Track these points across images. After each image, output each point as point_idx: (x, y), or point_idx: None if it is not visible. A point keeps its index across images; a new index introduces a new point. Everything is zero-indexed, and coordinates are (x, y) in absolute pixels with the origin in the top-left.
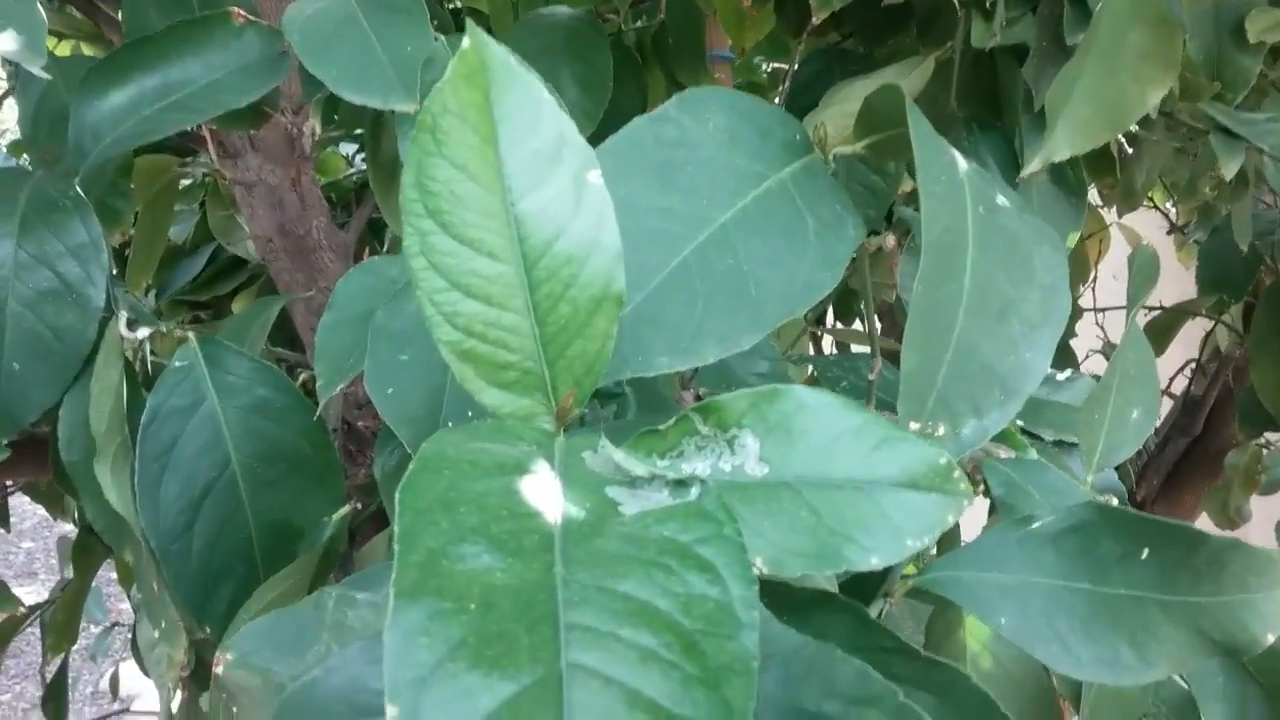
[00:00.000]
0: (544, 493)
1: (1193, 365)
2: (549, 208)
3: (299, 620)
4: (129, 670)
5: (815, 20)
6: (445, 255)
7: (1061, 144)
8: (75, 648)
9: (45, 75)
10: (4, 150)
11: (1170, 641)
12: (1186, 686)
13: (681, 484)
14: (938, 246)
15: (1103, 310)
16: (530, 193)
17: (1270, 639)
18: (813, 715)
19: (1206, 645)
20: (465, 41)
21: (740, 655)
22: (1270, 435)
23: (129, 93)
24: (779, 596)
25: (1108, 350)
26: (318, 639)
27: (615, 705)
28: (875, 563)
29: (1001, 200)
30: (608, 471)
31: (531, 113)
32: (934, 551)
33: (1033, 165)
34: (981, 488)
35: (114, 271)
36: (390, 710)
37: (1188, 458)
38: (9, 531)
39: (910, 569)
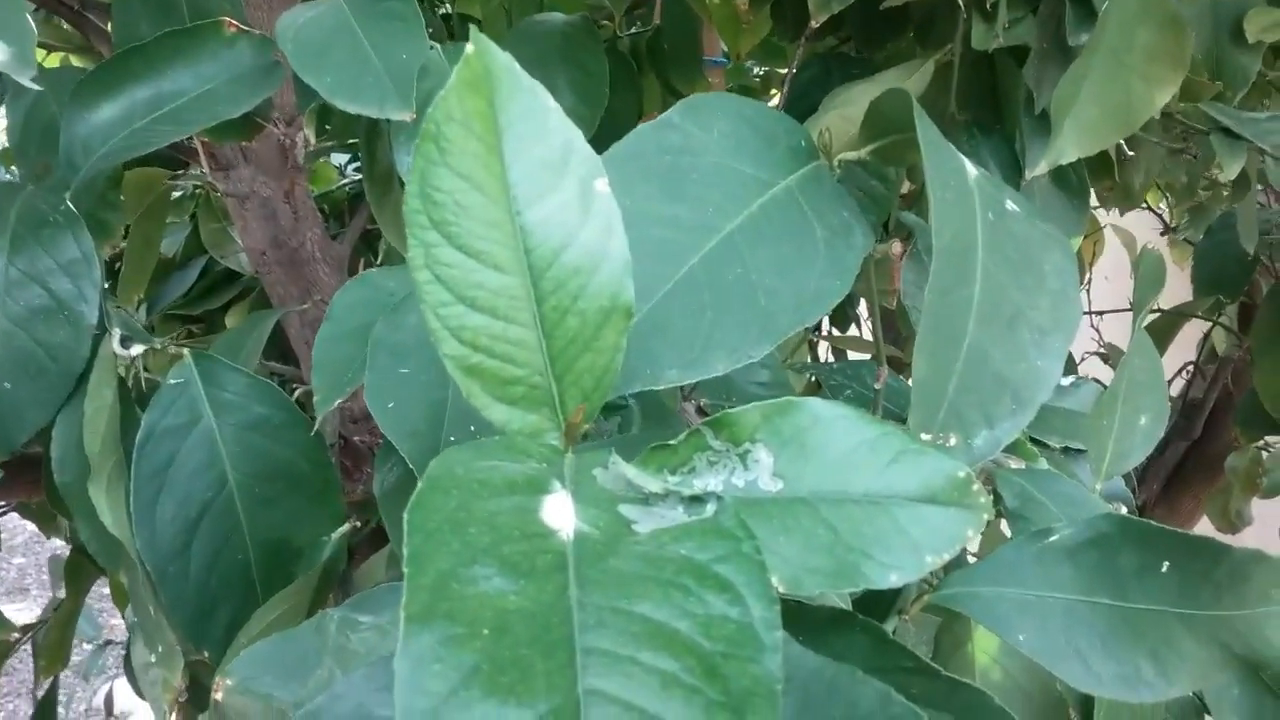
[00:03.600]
0: (556, 511)
1: (1190, 368)
2: (556, 217)
3: (300, 644)
4: (123, 687)
5: (814, 23)
6: (450, 267)
7: (1069, 146)
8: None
9: (35, 86)
10: None
11: (1192, 657)
12: (1195, 696)
13: (697, 500)
14: (948, 253)
15: (1098, 313)
16: (536, 202)
17: None
18: None
19: (1229, 660)
20: (469, 48)
21: (764, 679)
22: (1270, 438)
23: (120, 105)
24: (795, 616)
25: (1104, 353)
26: (320, 663)
27: None
28: (894, 580)
29: (1011, 206)
30: (619, 488)
31: (537, 120)
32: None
33: (1039, 168)
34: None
35: (106, 287)
36: None
37: (1187, 461)
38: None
39: (919, 597)
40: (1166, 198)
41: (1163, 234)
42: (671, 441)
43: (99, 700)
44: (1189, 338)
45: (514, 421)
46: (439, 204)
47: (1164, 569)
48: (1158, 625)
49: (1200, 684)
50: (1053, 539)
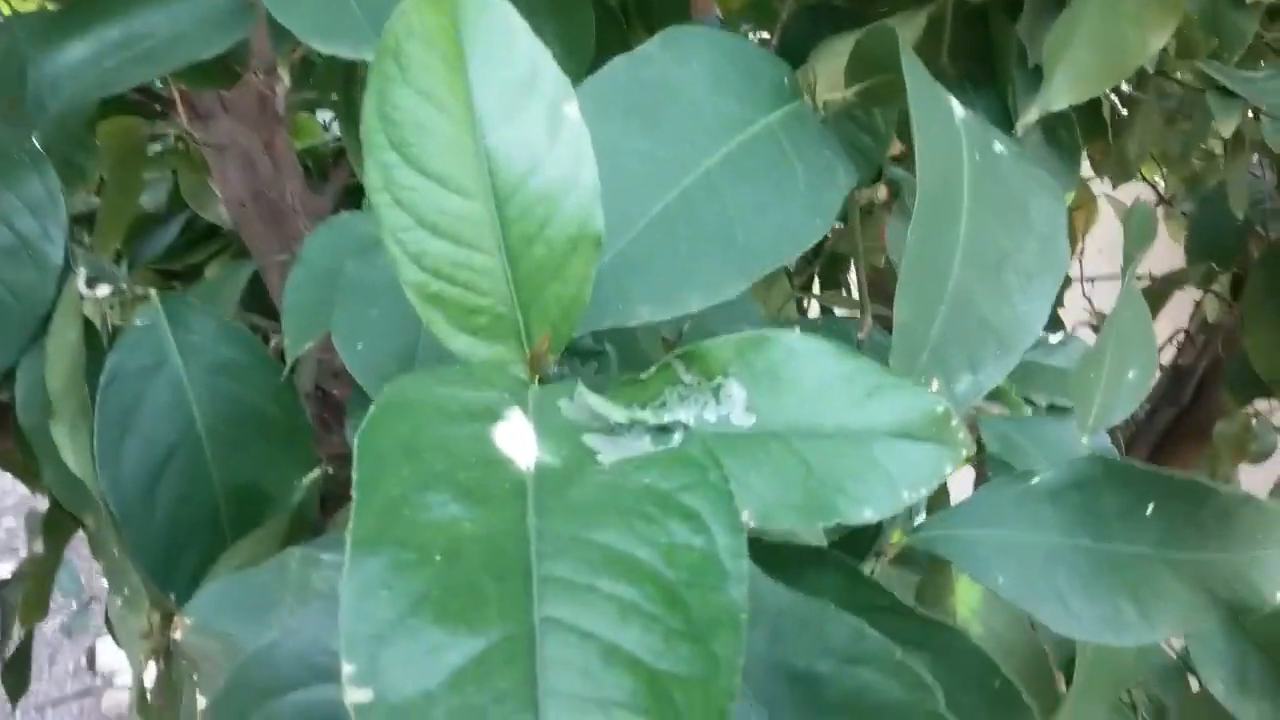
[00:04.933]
0: (516, 439)
1: (1182, 336)
2: (522, 141)
3: (261, 583)
4: (111, 646)
5: None
6: (410, 190)
7: (1060, 91)
8: (53, 624)
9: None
10: None
11: (1175, 600)
12: (1175, 655)
13: (664, 430)
14: (933, 194)
15: (1090, 280)
16: (502, 124)
17: (1279, 597)
18: (804, 674)
19: (1212, 604)
20: None
21: (727, 607)
22: (1259, 404)
23: (89, 45)
24: (768, 554)
25: (1095, 324)
26: (281, 602)
27: (592, 661)
28: (869, 515)
29: (998, 147)
30: (585, 419)
31: (504, 39)
32: (923, 516)
33: (1030, 114)
34: (970, 452)
35: (75, 239)
36: (346, 669)
37: (1176, 427)
38: None
39: (897, 536)
40: (1162, 171)
41: (1158, 205)
42: (642, 376)
43: (86, 659)
44: (1182, 307)
45: (478, 352)
46: (398, 124)
47: (1148, 511)
48: (1140, 568)
49: (1183, 627)
50: (1034, 481)
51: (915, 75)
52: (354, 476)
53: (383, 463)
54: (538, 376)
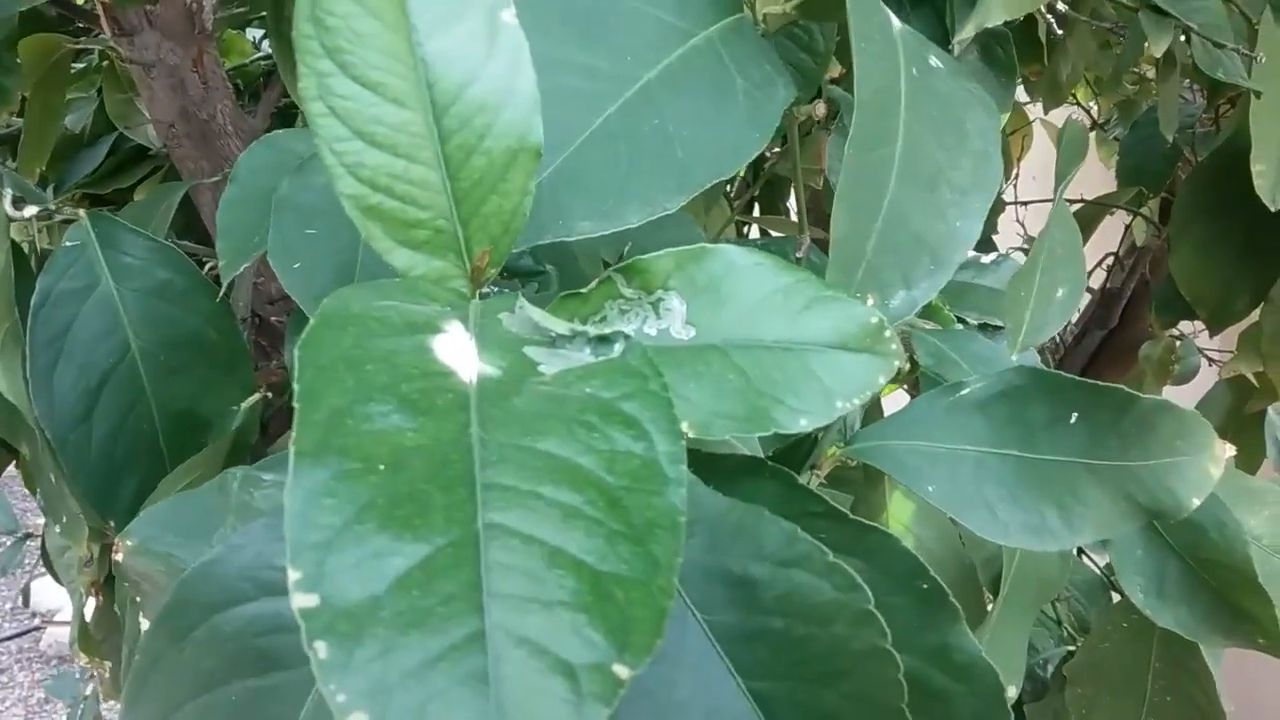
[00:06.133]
0: (458, 351)
1: (1111, 259)
2: (460, 50)
3: (202, 503)
4: (47, 584)
5: None
6: (346, 100)
7: (995, 8)
8: None
9: None
10: None
11: (1096, 506)
12: (1098, 571)
13: (605, 340)
14: (870, 107)
15: (1025, 204)
16: (439, 32)
17: (1196, 502)
18: (739, 578)
19: (1133, 510)
20: None
21: (666, 510)
22: (1184, 326)
23: None
24: (706, 464)
25: (1028, 246)
26: (222, 522)
27: (535, 564)
28: (804, 425)
29: (935, 62)
30: (526, 332)
31: None
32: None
33: (966, 30)
34: (903, 363)
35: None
36: (292, 575)
37: (1103, 350)
38: None
39: (832, 451)
40: (1095, 96)
41: (1091, 129)
42: (582, 290)
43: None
44: (1112, 231)
45: (418, 266)
46: (332, 30)
47: (1072, 420)
48: (1065, 476)
49: (1104, 533)
50: (964, 393)
51: None
52: (295, 388)
53: (325, 374)
54: (479, 291)
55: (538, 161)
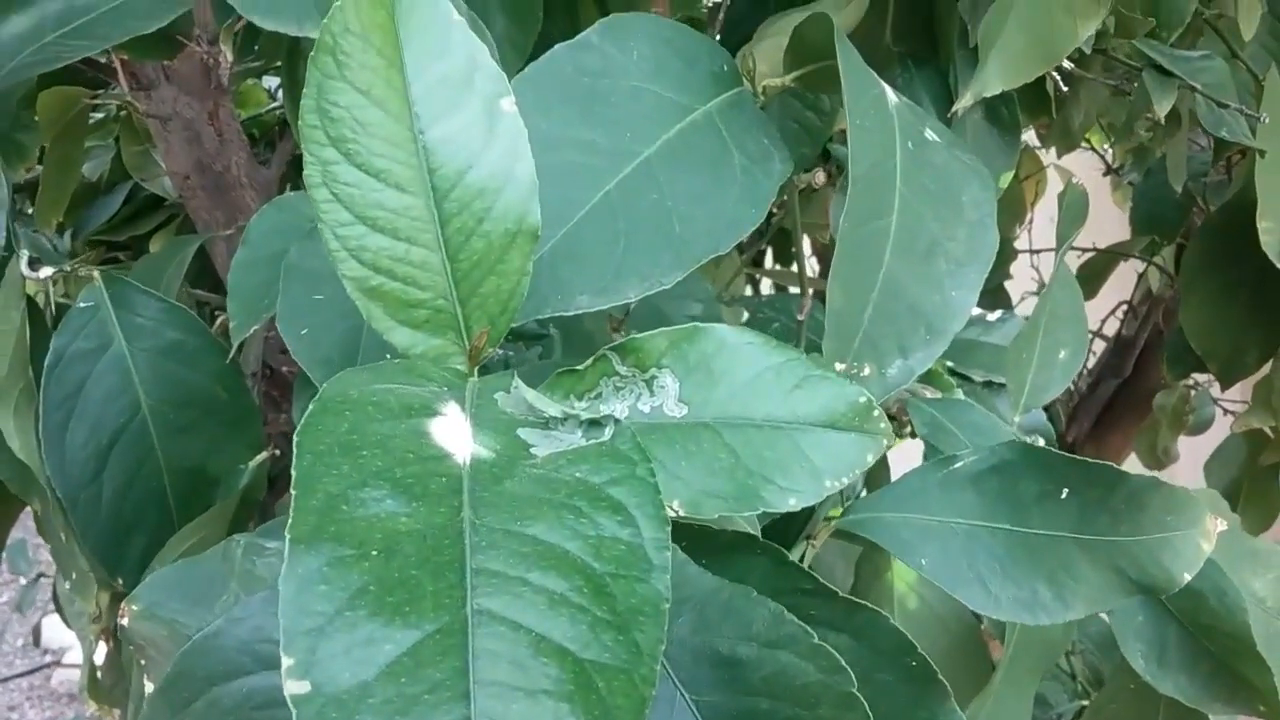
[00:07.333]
0: (453, 434)
1: (1125, 307)
2: (460, 137)
3: (207, 570)
4: (58, 622)
5: None
6: (349, 186)
7: (993, 77)
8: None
9: None
10: None
11: (1088, 581)
12: (1110, 622)
13: (596, 424)
14: (865, 182)
15: (1038, 252)
16: (439, 120)
17: (1187, 578)
18: (727, 658)
19: (1124, 585)
20: None
21: (650, 598)
22: (1198, 376)
23: (29, 18)
24: (699, 540)
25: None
26: (226, 589)
27: (521, 651)
28: (793, 504)
29: (930, 135)
30: (520, 412)
31: (440, 34)
32: (863, 494)
33: (964, 99)
34: (910, 429)
35: (16, 209)
36: (286, 661)
37: (1118, 399)
38: None
39: (836, 511)
40: (1110, 140)
41: (1105, 174)
42: (578, 367)
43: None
44: (1126, 278)
45: (418, 345)
46: (336, 120)
47: (1063, 495)
48: (1056, 550)
49: (1096, 607)
50: (957, 466)
51: (849, 63)
52: (293, 474)
53: (321, 460)
54: (477, 368)
55: (535, 243)
